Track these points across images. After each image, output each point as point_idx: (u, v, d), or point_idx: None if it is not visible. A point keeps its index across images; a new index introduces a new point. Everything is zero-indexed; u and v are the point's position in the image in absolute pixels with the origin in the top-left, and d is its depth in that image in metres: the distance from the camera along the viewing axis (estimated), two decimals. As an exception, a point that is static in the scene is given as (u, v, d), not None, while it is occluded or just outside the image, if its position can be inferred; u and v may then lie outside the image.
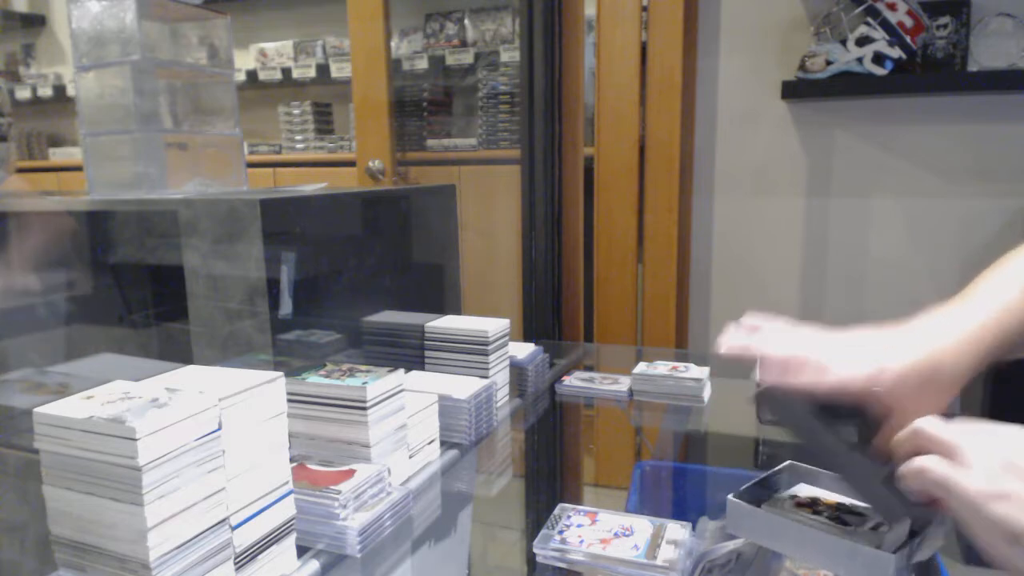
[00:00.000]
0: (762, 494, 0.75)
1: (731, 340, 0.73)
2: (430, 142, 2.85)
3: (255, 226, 0.91)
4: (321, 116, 3.21)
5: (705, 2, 2.30)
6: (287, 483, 0.66)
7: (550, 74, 1.74)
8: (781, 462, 0.80)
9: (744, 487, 0.73)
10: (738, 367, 0.98)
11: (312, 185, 1.27)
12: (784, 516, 0.69)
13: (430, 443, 0.91)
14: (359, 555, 0.70)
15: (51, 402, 0.56)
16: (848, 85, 2.06)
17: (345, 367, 0.83)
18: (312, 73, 3.12)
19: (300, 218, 1.02)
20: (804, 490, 0.76)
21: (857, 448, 0.67)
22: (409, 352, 1.14)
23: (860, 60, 2.02)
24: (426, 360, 1.14)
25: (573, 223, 1.85)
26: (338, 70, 3.07)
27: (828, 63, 2.06)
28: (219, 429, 0.58)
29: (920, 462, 0.55)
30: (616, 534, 0.75)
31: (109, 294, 1.14)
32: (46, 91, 3.66)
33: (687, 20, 2.21)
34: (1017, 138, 2.06)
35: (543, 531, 0.77)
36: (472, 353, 1.10)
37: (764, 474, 0.76)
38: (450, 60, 2.83)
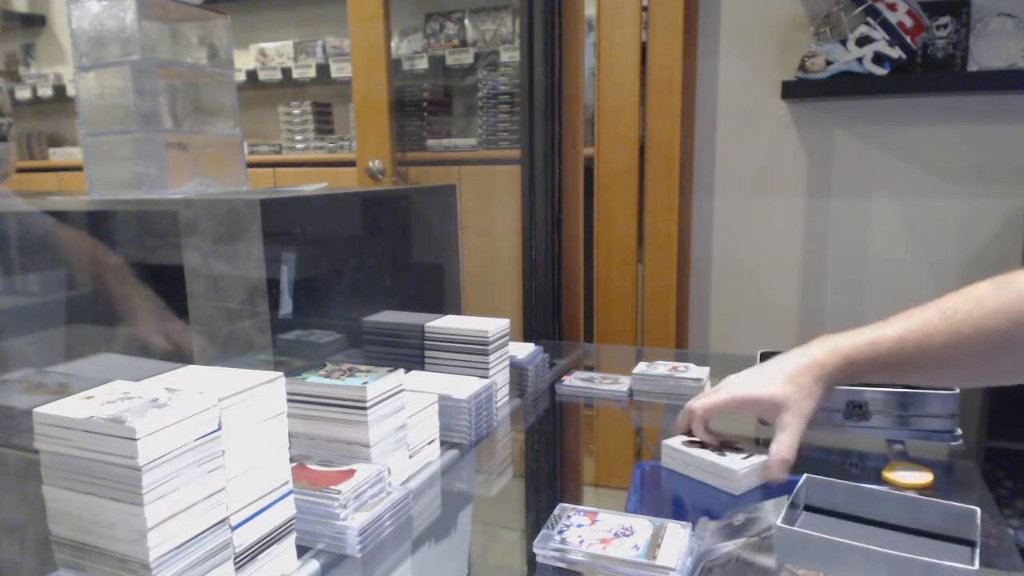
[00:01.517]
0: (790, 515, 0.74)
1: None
2: (430, 142, 2.85)
3: (255, 226, 0.91)
4: (321, 116, 3.21)
5: (705, 2, 2.30)
6: (287, 483, 0.66)
7: (550, 74, 1.74)
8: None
9: (783, 514, 0.72)
10: (738, 366, 0.99)
11: (312, 185, 1.27)
12: (847, 540, 0.66)
13: (430, 443, 0.91)
14: (359, 555, 0.70)
15: (51, 402, 0.56)
16: (848, 85, 2.06)
17: (345, 367, 0.83)
18: (312, 73, 3.12)
19: (300, 218, 1.02)
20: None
21: None
22: (409, 352, 1.14)
23: (860, 60, 2.02)
24: (426, 360, 1.14)
25: (573, 223, 1.85)
26: (338, 70, 3.07)
27: (828, 63, 2.06)
28: (219, 429, 0.58)
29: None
30: (616, 534, 0.75)
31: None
32: (46, 91, 3.66)
33: (687, 20, 2.21)
34: (1017, 138, 2.06)
35: (543, 531, 0.77)
36: (472, 353, 1.10)
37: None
38: (450, 60, 2.83)
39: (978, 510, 0.69)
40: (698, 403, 0.93)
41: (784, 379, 0.85)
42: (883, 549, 0.64)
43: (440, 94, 2.93)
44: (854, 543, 0.66)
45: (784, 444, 0.82)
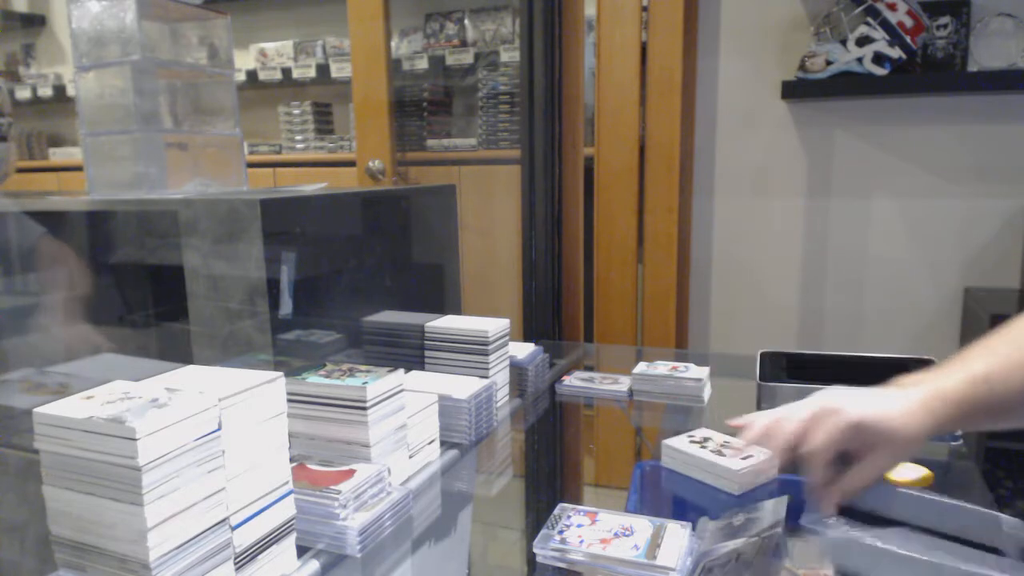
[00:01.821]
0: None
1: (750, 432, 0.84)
2: (430, 142, 2.85)
3: (255, 226, 0.91)
4: (321, 116, 3.20)
5: (705, 2, 2.30)
6: (287, 483, 0.66)
7: (550, 74, 1.74)
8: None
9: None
10: (738, 366, 0.99)
11: (312, 185, 1.27)
12: (907, 551, 0.66)
13: (430, 443, 0.91)
14: (359, 555, 0.70)
15: (51, 402, 0.56)
16: (848, 85, 2.06)
17: (345, 367, 0.83)
18: (312, 73, 3.12)
19: (300, 218, 1.02)
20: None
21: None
22: (409, 352, 1.14)
23: (860, 60, 2.02)
24: (426, 360, 1.14)
25: (573, 223, 1.85)
26: (338, 70, 3.07)
27: (828, 63, 2.06)
28: (219, 429, 0.58)
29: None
30: (616, 534, 0.75)
31: (109, 294, 1.14)
32: (46, 91, 3.66)
33: (687, 20, 2.21)
34: (1017, 138, 2.06)
35: (543, 531, 0.77)
36: (472, 353, 1.10)
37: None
38: (450, 60, 2.82)
39: (1003, 517, 0.69)
40: (816, 440, 0.75)
41: (900, 411, 0.73)
42: (949, 561, 0.64)
43: (440, 94, 2.92)
44: (917, 555, 0.66)
45: (862, 476, 0.73)
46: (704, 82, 2.33)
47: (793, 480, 0.79)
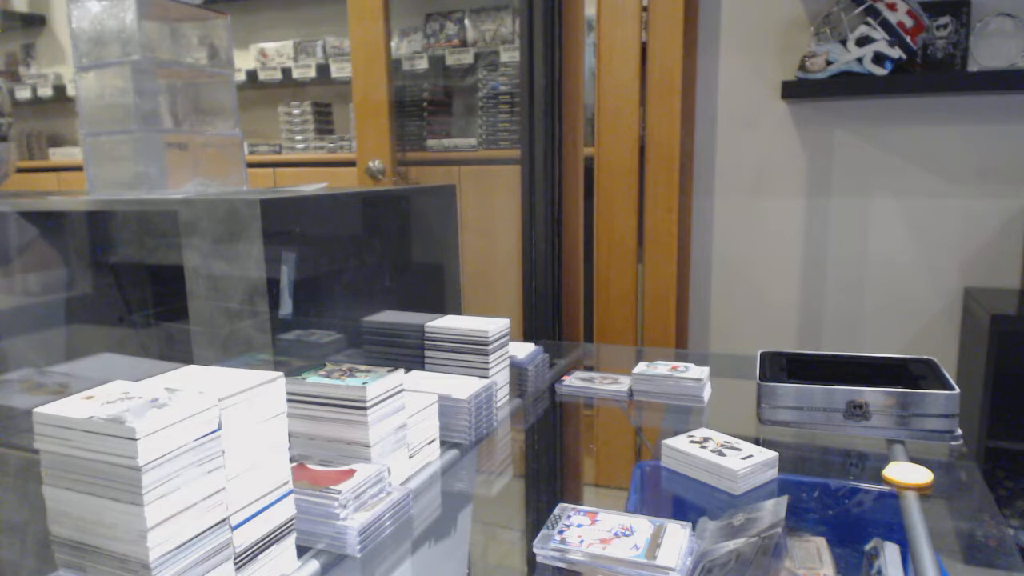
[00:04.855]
0: None
1: None
2: (430, 142, 2.85)
3: (255, 226, 0.91)
4: (321, 116, 3.20)
5: (705, 2, 2.30)
6: (287, 483, 0.66)
7: (550, 74, 1.74)
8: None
9: None
10: (738, 366, 0.99)
11: (312, 185, 1.27)
12: None
13: (430, 443, 0.91)
14: (359, 555, 0.70)
15: (51, 402, 0.56)
16: (848, 85, 2.06)
17: (345, 367, 0.83)
18: (312, 73, 3.12)
19: (300, 218, 1.02)
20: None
21: None
22: (409, 352, 1.14)
23: (860, 60, 2.02)
24: (426, 360, 1.14)
25: (573, 223, 1.85)
26: (338, 70, 3.07)
27: (828, 63, 2.06)
28: (219, 429, 0.58)
29: None
30: (616, 534, 0.75)
31: (109, 294, 1.14)
32: (46, 91, 3.66)
33: (687, 20, 2.21)
34: (1017, 138, 2.06)
35: (543, 531, 0.77)
36: (472, 353, 1.10)
37: None
38: (450, 60, 2.82)
39: None
40: None
41: None
42: None
43: (440, 94, 2.92)
44: None
45: None
46: (704, 82, 2.34)
47: (793, 480, 0.79)
